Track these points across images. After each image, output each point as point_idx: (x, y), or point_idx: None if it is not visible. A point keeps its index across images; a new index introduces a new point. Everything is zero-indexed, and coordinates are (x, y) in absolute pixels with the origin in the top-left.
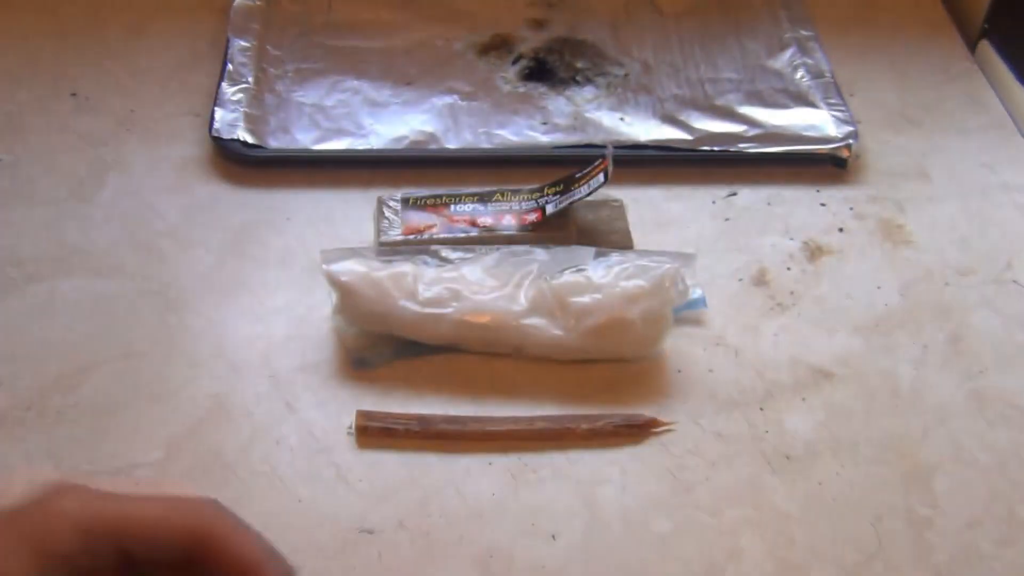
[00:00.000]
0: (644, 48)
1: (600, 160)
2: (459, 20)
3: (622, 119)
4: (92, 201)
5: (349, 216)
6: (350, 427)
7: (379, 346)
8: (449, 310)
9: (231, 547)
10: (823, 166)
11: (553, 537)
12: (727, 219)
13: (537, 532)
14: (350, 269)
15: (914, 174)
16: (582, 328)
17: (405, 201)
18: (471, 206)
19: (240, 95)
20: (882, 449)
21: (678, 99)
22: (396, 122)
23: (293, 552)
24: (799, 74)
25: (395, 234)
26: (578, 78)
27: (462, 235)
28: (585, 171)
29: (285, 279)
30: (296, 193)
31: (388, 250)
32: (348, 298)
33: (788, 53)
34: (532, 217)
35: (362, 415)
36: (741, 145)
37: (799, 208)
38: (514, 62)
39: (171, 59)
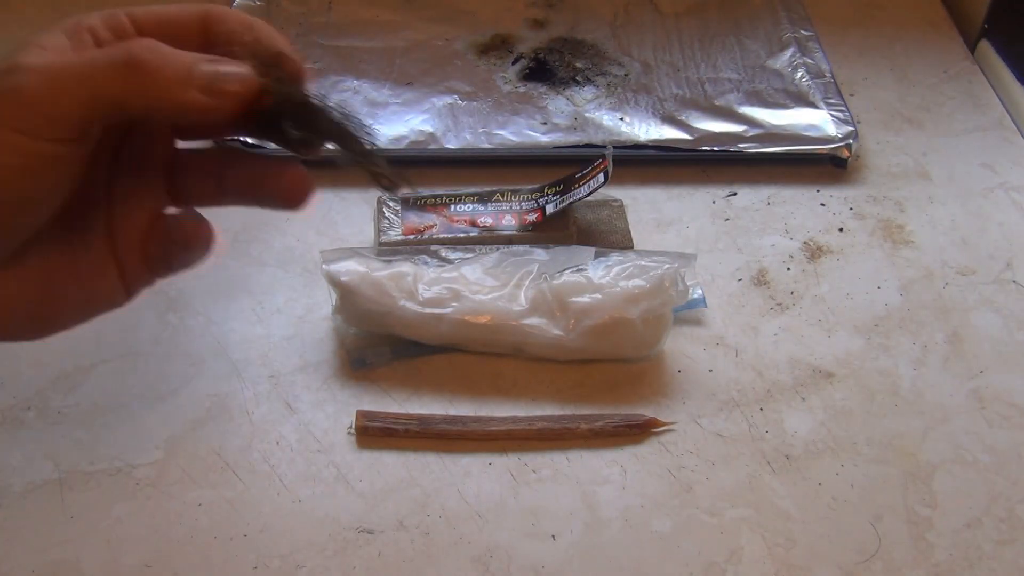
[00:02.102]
0: (644, 48)
1: (600, 160)
2: (459, 20)
3: (622, 119)
4: None
5: (349, 216)
6: (350, 427)
7: (379, 346)
8: (449, 310)
9: (237, 15)
10: (823, 166)
11: (553, 537)
12: (727, 219)
13: (537, 532)
14: (350, 269)
15: (914, 174)
16: (582, 328)
17: (405, 201)
18: (471, 206)
19: None
20: (882, 449)
21: (678, 99)
22: (396, 122)
23: (293, 552)
24: (799, 74)
25: (395, 234)
26: (578, 78)
27: (462, 235)
28: (585, 171)
29: (285, 279)
30: None
31: (388, 250)
32: (348, 298)
33: (788, 53)
34: (532, 217)
35: (362, 415)
36: (741, 145)
37: (799, 208)
38: (514, 62)
39: None
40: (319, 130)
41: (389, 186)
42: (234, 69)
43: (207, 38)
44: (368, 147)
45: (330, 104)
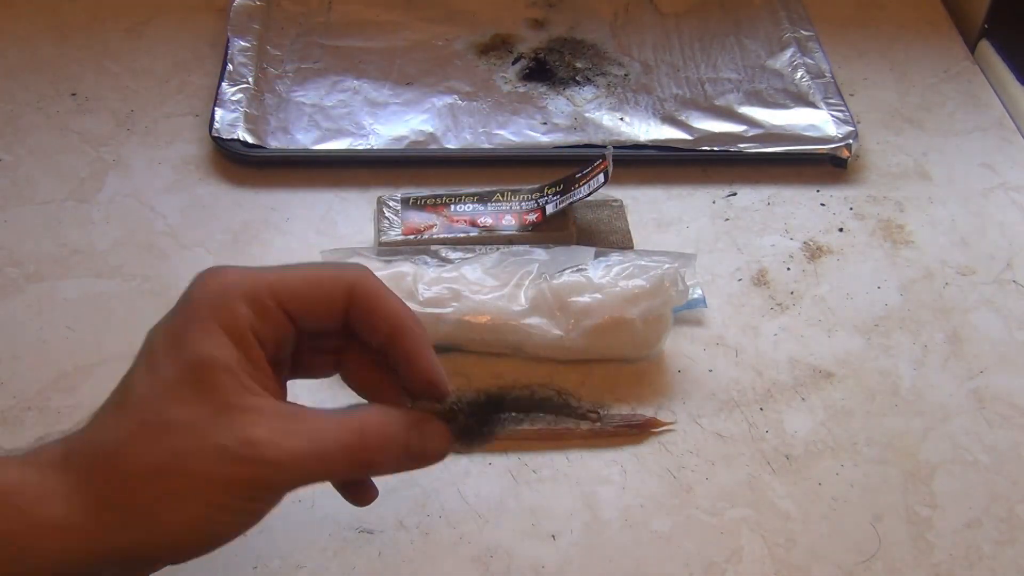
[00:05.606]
0: (644, 48)
1: (600, 160)
2: (459, 20)
3: (622, 119)
4: (92, 201)
5: (349, 216)
6: None
7: None
8: (449, 310)
9: (383, 302)
10: (823, 166)
11: (553, 537)
12: (727, 219)
13: (537, 532)
14: None
15: (914, 174)
16: (582, 328)
17: (405, 201)
18: (471, 206)
19: (240, 95)
20: (882, 449)
21: (678, 99)
22: (396, 122)
23: (293, 552)
24: (799, 74)
25: (395, 234)
26: (578, 78)
27: (462, 235)
28: (585, 171)
29: None
30: (296, 193)
31: (388, 250)
32: None
33: (788, 53)
34: (532, 217)
35: None
36: (741, 145)
37: (799, 208)
38: (514, 62)
39: (171, 59)
40: (512, 411)
41: (596, 417)
42: (437, 435)
43: (347, 317)
44: (557, 400)
45: (505, 390)
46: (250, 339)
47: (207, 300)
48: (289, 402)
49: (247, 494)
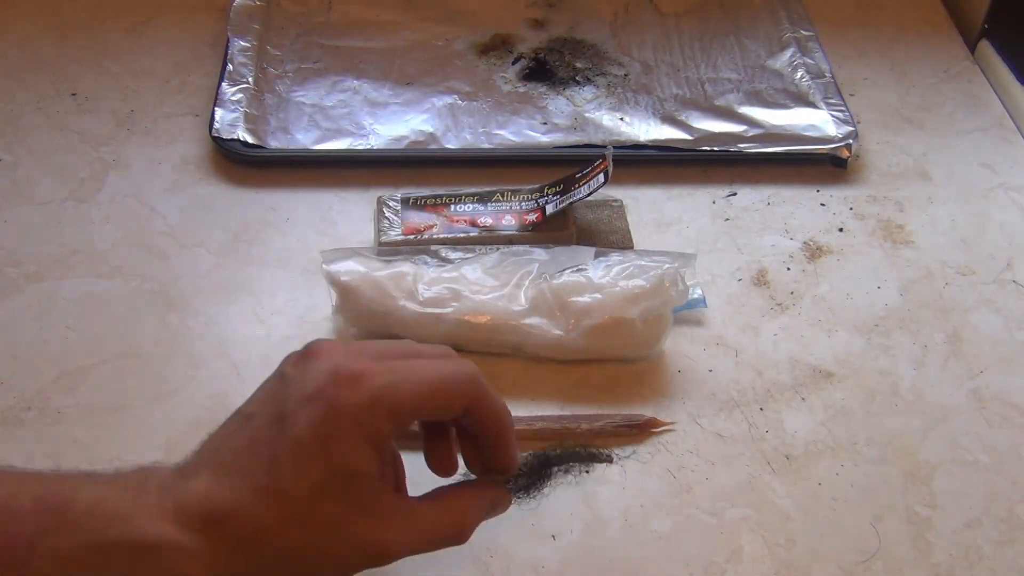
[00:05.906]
0: (644, 48)
1: (600, 160)
2: (459, 20)
3: (622, 119)
4: (92, 201)
5: (349, 216)
6: None
7: None
8: (449, 310)
9: (495, 410)
10: (823, 166)
11: (553, 537)
12: (727, 219)
13: (537, 532)
14: (350, 269)
15: (914, 174)
16: (582, 328)
17: (405, 201)
18: (471, 206)
19: (240, 95)
20: (882, 449)
21: (678, 99)
22: (396, 122)
23: None
24: (799, 74)
25: (395, 234)
26: (578, 78)
27: (462, 235)
28: (585, 171)
29: (285, 279)
30: (296, 193)
31: (388, 250)
32: (348, 298)
33: (788, 53)
34: (532, 217)
35: None
36: (741, 145)
37: (799, 208)
38: (514, 62)
39: (171, 59)
40: (553, 466)
41: (607, 459)
42: (505, 498)
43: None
44: (585, 452)
45: (548, 451)
46: (387, 448)
47: (356, 415)
48: (406, 498)
49: (361, 571)
